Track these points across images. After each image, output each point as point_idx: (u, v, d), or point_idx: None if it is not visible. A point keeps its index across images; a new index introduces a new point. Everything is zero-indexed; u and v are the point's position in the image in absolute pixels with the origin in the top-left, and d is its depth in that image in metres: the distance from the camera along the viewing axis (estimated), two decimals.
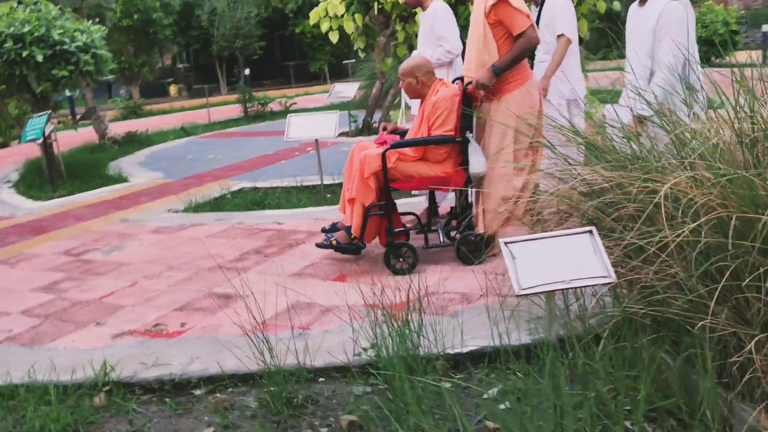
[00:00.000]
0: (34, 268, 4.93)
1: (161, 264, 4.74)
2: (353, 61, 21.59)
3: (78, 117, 11.93)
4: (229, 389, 2.99)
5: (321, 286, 4.04)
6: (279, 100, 14.68)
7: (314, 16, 6.29)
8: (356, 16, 5.73)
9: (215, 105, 15.33)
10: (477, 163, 4.04)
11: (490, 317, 3.06)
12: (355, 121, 10.57)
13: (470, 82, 4.02)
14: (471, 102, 4.12)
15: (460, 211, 4.41)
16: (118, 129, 12.28)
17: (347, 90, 10.50)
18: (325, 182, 6.75)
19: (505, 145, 4.00)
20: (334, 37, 6.20)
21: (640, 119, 3.37)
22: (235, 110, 15.30)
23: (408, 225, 4.48)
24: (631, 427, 2.27)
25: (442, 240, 4.30)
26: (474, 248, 4.10)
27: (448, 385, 2.76)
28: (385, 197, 4.13)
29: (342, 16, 5.79)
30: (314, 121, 6.50)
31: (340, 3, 5.89)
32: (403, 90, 4.77)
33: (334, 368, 3.03)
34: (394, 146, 4.09)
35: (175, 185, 7.71)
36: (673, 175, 2.28)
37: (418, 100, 4.62)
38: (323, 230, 4.54)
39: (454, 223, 4.54)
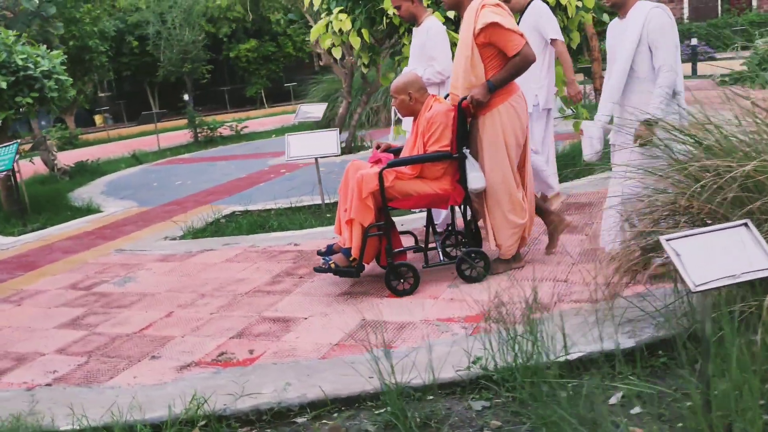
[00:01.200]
0: (43, 305, 4.58)
1: (189, 292, 4.50)
2: (294, 84, 21.54)
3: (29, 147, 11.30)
4: (334, 414, 2.84)
5: (381, 303, 3.91)
6: (230, 124, 14.36)
7: (315, 33, 6.17)
8: (363, 31, 5.66)
9: (164, 131, 14.84)
10: (475, 178, 3.96)
11: (587, 322, 3.03)
12: None
13: (465, 98, 3.93)
14: (465, 117, 4.04)
15: (454, 228, 4.36)
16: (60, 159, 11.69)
17: (314, 110, 10.35)
18: (314, 202, 6.62)
19: (499, 160, 3.99)
20: (337, 53, 6.10)
21: (649, 123, 3.43)
22: (181, 136, 14.88)
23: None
24: None
25: (441, 258, 4.24)
26: (474, 265, 4.03)
27: (564, 393, 2.70)
28: (384, 217, 4.02)
29: (348, 32, 5.68)
30: (314, 140, 6.36)
31: (347, 18, 5.78)
32: (394, 107, 4.77)
33: (438, 385, 2.91)
34: (391, 165, 3.98)
35: (155, 213, 7.38)
36: None
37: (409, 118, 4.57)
38: (319, 253, 4.36)
39: (451, 240, 4.50)
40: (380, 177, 3.90)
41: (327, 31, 6.08)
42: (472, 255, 4.04)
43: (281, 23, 22.70)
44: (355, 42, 5.37)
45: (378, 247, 4.15)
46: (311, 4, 6.14)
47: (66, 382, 3.35)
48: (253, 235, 5.83)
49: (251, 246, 5.48)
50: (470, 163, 3.98)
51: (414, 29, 4.99)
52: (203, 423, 2.81)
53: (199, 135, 13.77)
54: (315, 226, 5.94)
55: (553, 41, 5.08)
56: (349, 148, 10.38)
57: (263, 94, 23.42)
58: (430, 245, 4.34)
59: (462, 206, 4.16)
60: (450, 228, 4.54)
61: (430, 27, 4.83)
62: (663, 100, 3.51)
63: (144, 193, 8.76)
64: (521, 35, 3.87)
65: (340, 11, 5.82)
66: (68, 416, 2.90)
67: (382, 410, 2.77)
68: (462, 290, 3.94)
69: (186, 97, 17.05)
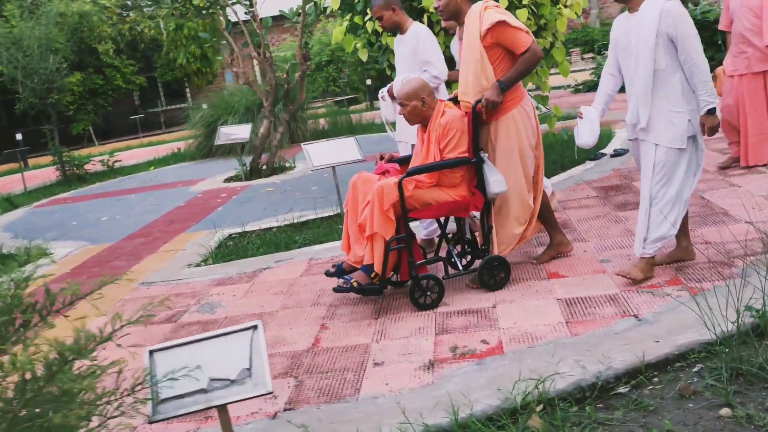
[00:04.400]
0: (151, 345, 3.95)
1: (311, 305, 4.15)
2: (144, 112, 20.08)
3: None
4: (654, 379, 2.82)
5: (558, 283, 3.90)
6: (99, 158, 13.13)
7: (338, 35, 5.91)
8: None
9: (24, 170, 13.14)
10: (496, 182, 3.87)
11: None
12: (244, 165, 9.95)
13: (479, 101, 3.86)
14: (479, 122, 3.94)
15: (464, 236, 4.23)
16: None
17: (238, 131, 9.86)
18: (319, 216, 6.38)
19: (513, 166, 3.96)
20: (363, 55, 5.91)
21: (711, 113, 3.52)
22: (46, 175, 13.33)
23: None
24: None
25: (460, 267, 4.13)
26: (495, 273, 3.94)
27: None
28: (403, 229, 3.83)
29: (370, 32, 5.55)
30: (333, 147, 6.11)
31: (368, 20, 5.65)
32: (399, 116, 4.72)
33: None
34: (411, 173, 3.80)
35: (130, 246, 6.59)
36: None
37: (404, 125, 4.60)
38: (328, 274, 4.12)
39: (458, 248, 4.35)
40: (400, 187, 3.75)
41: (347, 33, 5.89)
42: (494, 263, 3.93)
43: (110, 53, 21.21)
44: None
45: (395, 260, 3.93)
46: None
47: (301, 404, 2.96)
48: (299, 249, 5.47)
49: (311, 259, 5.14)
50: (488, 167, 3.91)
51: (398, 38, 4.89)
52: (540, 408, 2.65)
53: (67, 172, 12.41)
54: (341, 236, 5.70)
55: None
56: (272, 168, 10.02)
57: (91, 131, 21.63)
58: (440, 254, 4.20)
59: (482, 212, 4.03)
60: (458, 236, 4.27)
61: (420, 32, 4.75)
62: (711, 87, 3.51)
63: (77, 232, 7.75)
64: (527, 32, 3.86)
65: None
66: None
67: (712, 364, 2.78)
68: (614, 265, 4.07)
69: (19, 136, 15.24)
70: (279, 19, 10.56)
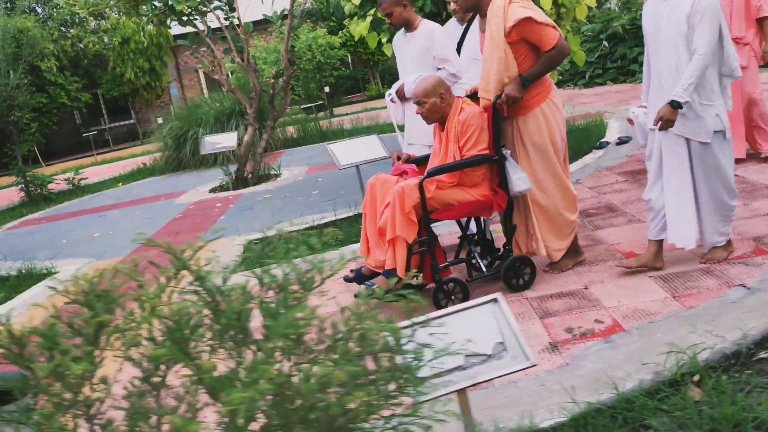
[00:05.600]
0: None
1: None
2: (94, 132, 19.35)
3: None
4: None
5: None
6: (65, 176, 12.59)
7: (363, 29, 5.77)
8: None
9: None
10: (519, 180, 3.74)
11: None
12: (229, 174, 9.71)
13: (499, 96, 3.73)
14: (500, 118, 3.81)
15: (484, 236, 4.11)
16: None
17: (224, 140, 9.60)
18: (338, 217, 6.27)
19: (549, 160, 3.85)
20: (389, 50, 5.81)
21: (673, 106, 3.41)
22: (6, 196, 12.69)
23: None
24: None
25: (485, 270, 3.98)
26: (520, 272, 3.85)
27: None
28: (425, 231, 3.70)
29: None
30: (358, 146, 6.00)
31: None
32: (408, 119, 4.69)
33: None
34: (432, 173, 3.67)
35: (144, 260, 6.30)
36: None
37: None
38: (347, 279, 4.03)
39: (478, 249, 4.11)
40: (421, 188, 3.63)
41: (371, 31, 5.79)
42: (517, 263, 3.84)
43: (53, 71, 20.44)
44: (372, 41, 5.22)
45: (418, 263, 3.79)
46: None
47: None
48: (338, 250, 5.34)
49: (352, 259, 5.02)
50: (511, 165, 3.78)
51: (405, 35, 4.78)
52: (696, 378, 2.64)
53: (32, 192, 11.85)
54: None
55: None
56: (257, 177, 9.80)
57: (37, 152, 20.77)
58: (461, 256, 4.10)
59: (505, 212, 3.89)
60: (478, 236, 4.16)
61: (434, 30, 4.65)
62: (693, 84, 3.38)
63: (73, 250, 7.38)
64: (555, 27, 3.71)
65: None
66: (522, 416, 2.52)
67: None
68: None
69: None
70: (256, 24, 10.34)
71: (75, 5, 8.12)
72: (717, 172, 3.56)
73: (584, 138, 7.96)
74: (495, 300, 1.87)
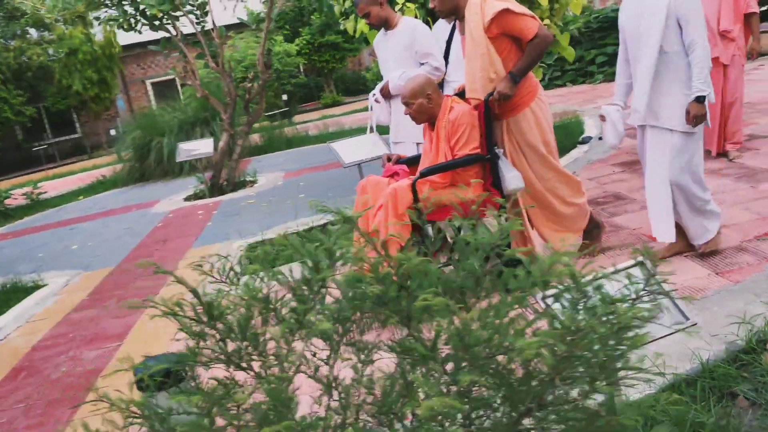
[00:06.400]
0: None
1: None
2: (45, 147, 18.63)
3: None
4: None
5: None
6: (22, 191, 12.11)
7: (363, 27, 5.70)
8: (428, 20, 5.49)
9: None
10: (513, 178, 3.69)
11: None
12: (204, 182, 9.52)
13: (491, 94, 3.68)
14: (491, 117, 3.75)
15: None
16: None
17: (199, 147, 9.39)
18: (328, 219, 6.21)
19: (543, 157, 3.83)
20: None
21: (700, 101, 3.43)
22: None
23: None
24: None
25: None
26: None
27: None
28: (419, 232, 3.61)
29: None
30: (359, 143, 5.94)
31: (414, 7, 5.56)
32: (395, 118, 4.67)
33: None
34: (425, 174, 3.61)
35: (135, 270, 6.11)
36: None
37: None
38: None
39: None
40: (413, 189, 3.57)
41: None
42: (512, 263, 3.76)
43: None
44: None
45: None
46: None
47: None
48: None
49: None
50: (504, 163, 3.73)
51: (385, 34, 4.72)
52: None
53: None
54: None
55: None
56: (233, 184, 9.64)
57: None
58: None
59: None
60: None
61: (416, 26, 4.61)
62: (707, 74, 3.41)
63: (54, 263, 7.09)
64: (533, 17, 3.65)
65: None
66: None
67: None
68: None
69: None
70: (230, 27, 10.18)
71: (42, 9, 7.82)
72: (689, 165, 3.54)
73: (565, 135, 8.10)
74: (641, 263, 1.87)
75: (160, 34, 9.12)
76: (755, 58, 5.85)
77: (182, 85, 20.21)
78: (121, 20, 8.49)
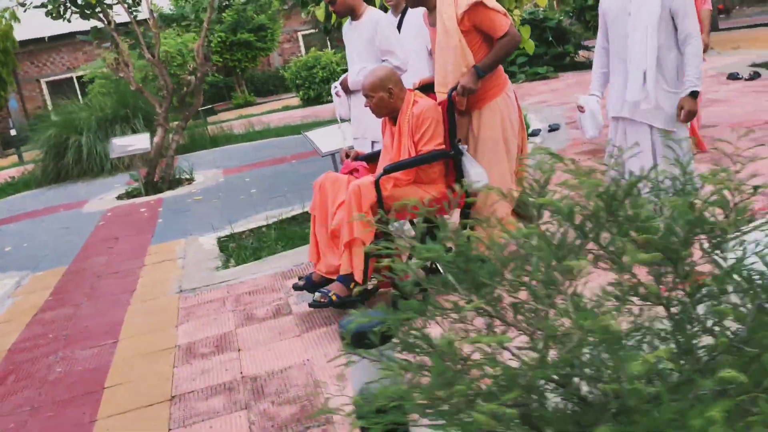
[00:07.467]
0: None
1: None
2: None
3: None
4: None
5: None
6: None
7: (321, 14, 5.52)
8: None
9: None
10: (477, 174, 3.58)
11: None
12: (136, 180, 9.06)
13: (454, 89, 3.62)
14: (454, 111, 3.68)
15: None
16: None
17: (135, 142, 8.93)
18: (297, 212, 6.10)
19: (498, 156, 3.74)
20: None
21: (693, 96, 3.42)
22: None
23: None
24: None
25: (442, 270, 3.75)
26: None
27: None
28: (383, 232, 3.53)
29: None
30: (333, 132, 5.83)
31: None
32: (354, 112, 4.49)
33: None
34: (388, 171, 3.49)
35: (94, 269, 5.73)
36: None
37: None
38: (296, 287, 3.77)
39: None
40: (377, 186, 3.44)
41: None
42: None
43: None
44: None
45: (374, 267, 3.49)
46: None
47: None
48: None
49: None
50: (468, 160, 3.65)
51: (351, 24, 4.52)
52: None
53: None
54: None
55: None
56: (169, 181, 9.22)
57: None
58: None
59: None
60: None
61: (379, 19, 4.35)
62: (700, 69, 3.39)
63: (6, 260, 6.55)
64: (505, 14, 3.65)
65: None
66: None
67: None
68: None
69: None
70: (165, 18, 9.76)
71: None
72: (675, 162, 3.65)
73: None
74: None
75: (91, 23, 8.62)
76: (704, 52, 6.18)
77: (84, 84, 19.13)
78: (50, 7, 7.95)
